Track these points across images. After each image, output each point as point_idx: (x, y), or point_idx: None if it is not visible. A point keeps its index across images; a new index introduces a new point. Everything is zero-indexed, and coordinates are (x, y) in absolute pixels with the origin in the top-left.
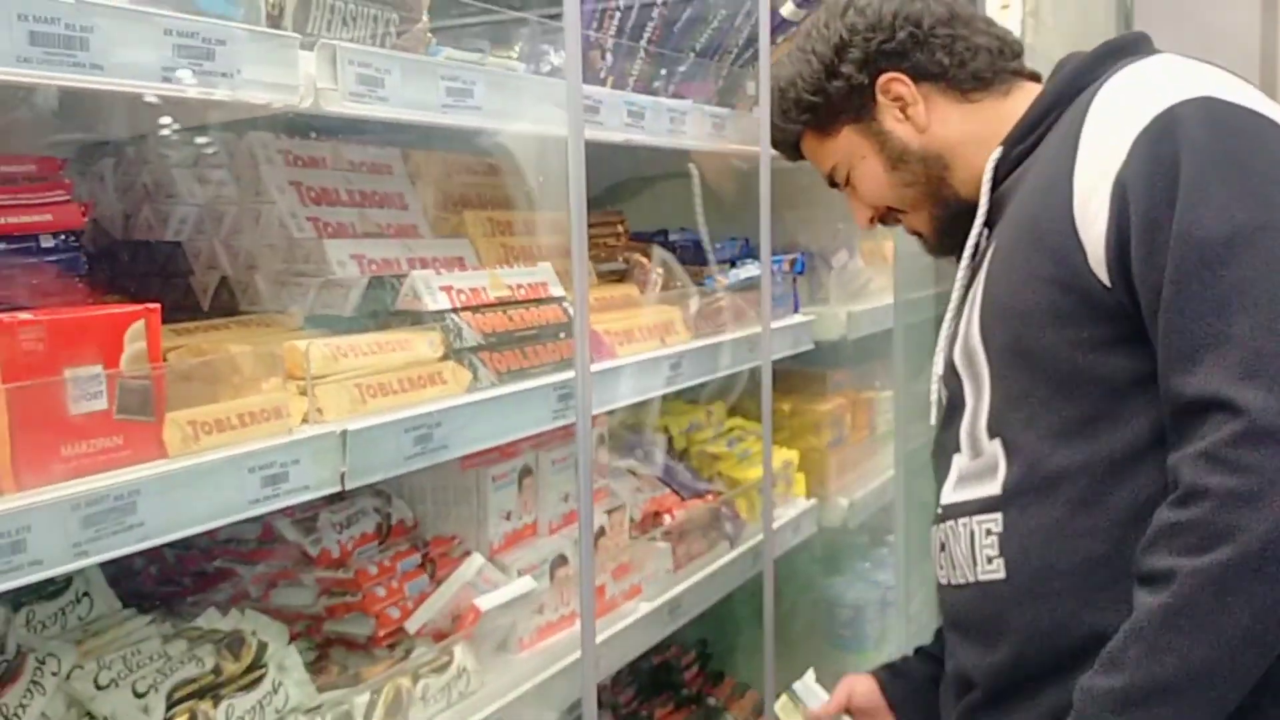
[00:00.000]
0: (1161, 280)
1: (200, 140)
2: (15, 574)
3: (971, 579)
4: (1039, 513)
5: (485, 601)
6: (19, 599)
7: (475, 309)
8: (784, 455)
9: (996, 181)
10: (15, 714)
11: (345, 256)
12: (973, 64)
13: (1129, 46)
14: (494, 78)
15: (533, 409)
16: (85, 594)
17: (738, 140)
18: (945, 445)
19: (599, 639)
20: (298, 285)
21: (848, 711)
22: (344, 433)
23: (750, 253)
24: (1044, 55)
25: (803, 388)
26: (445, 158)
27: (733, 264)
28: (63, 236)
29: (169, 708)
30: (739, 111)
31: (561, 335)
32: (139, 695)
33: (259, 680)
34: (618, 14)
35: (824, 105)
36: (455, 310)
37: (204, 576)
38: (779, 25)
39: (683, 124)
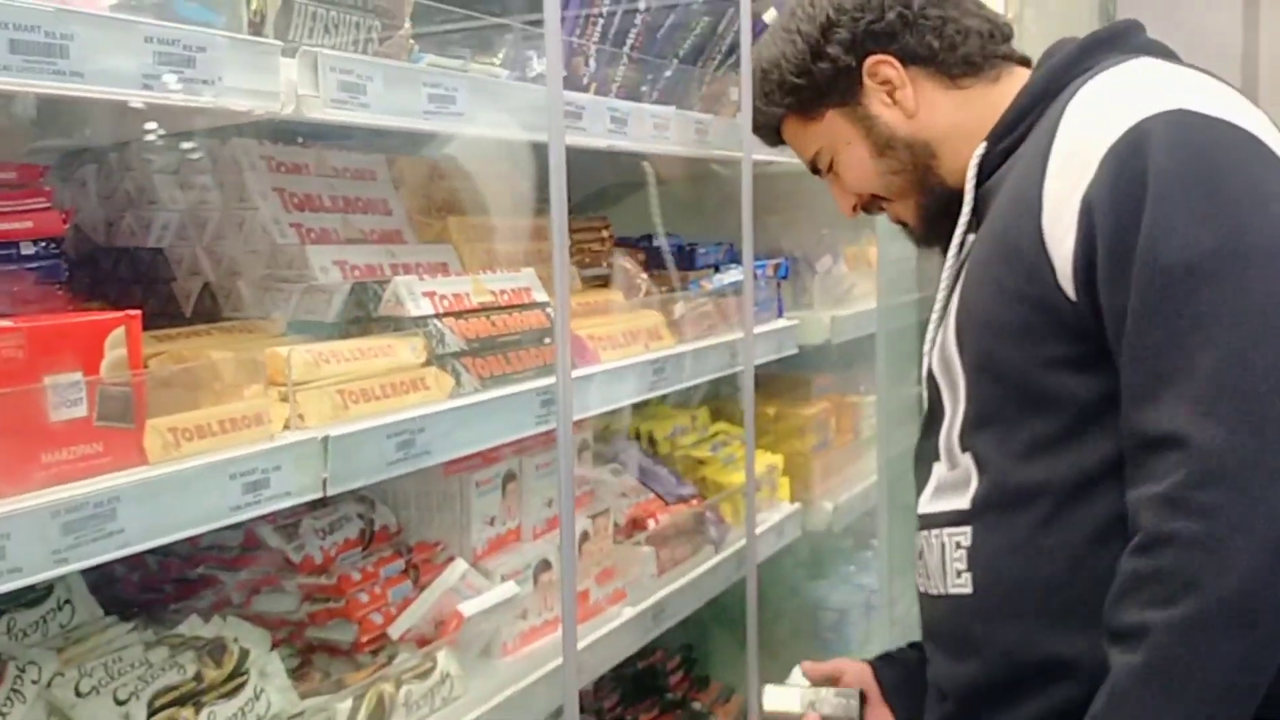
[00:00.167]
0: (1126, 307)
1: (183, 147)
2: None
3: (943, 591)
4: (1005, 530)
5: (469, 607)
6: None
7: (458, 314)
8: (768, 459)
9: (981, 178)
10: None
11: (328, 262)
12: (963, 48)
13: (1118, 38)
14: (476, 84)
15: (516, 414)
16: (66, 601)
17: (721, 146)
18: (926, 453)
19: (582, 644)
20: (280, 291)
21: (834, 682)
22: (326, 439)
23: (735, 258)
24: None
25: (787, 392)
26: (429, 163)
27: (717, 269)
28: (43, 244)
29: (150, 715)
30: (722, 117)
31: (545, 341)
32: (120, 703)
33: (241, 687)
34: (600, 20)
35: (808, 88)
36: (438, 316)
37: (186, 583)
38: (761, 32)
39: (666, 130)
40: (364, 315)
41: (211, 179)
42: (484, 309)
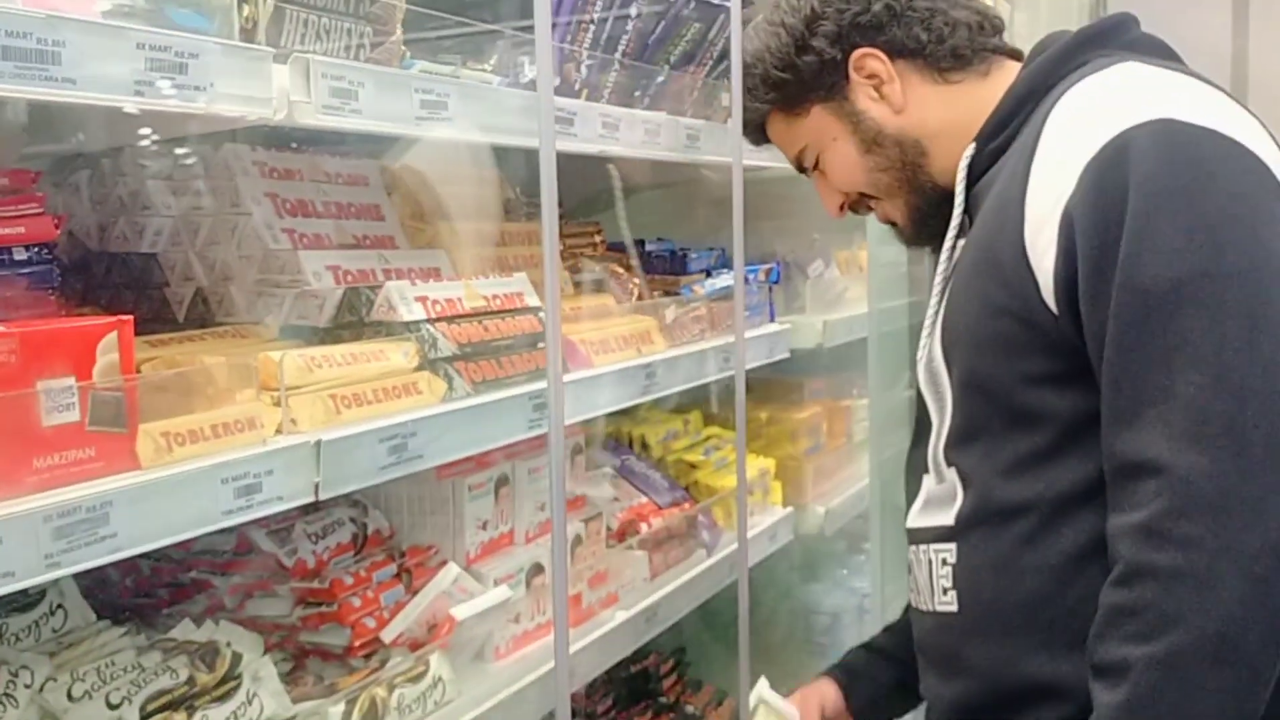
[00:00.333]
0: (1106, 326)
1: (176, 152)
2: None
3: (931, 608)
4: (988, 547)
5: (461, 611)
6: None
7: (450, 319)
8: (760, 463)
9: (971, 181)
10: None
11: (321, 267)
12: (951, 40)
13: (1110, 33)
14: (468, 90)
15: (508, 419)
16: (59, 606)
17: (712, 151)
18: (917, 464)
19: (575, 648)
20: (273, 296)
21: None
22: (318, 443)
23: (726, 262)
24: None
25: (779, 396)
26: (422, 169)
27: (709, 273)
28: (36, 249)
29: (143, 719)
30: (713, 123)
31: (537, 345)
32: (113, 707)
33: (233, 691)
34: (592, 27)
35: (793, 82)
36: (430, 320)
37: (179, 588)
38: None
39: (657, 135)
40: (356, 320)
41: (204, 184)
42: (476, 314)
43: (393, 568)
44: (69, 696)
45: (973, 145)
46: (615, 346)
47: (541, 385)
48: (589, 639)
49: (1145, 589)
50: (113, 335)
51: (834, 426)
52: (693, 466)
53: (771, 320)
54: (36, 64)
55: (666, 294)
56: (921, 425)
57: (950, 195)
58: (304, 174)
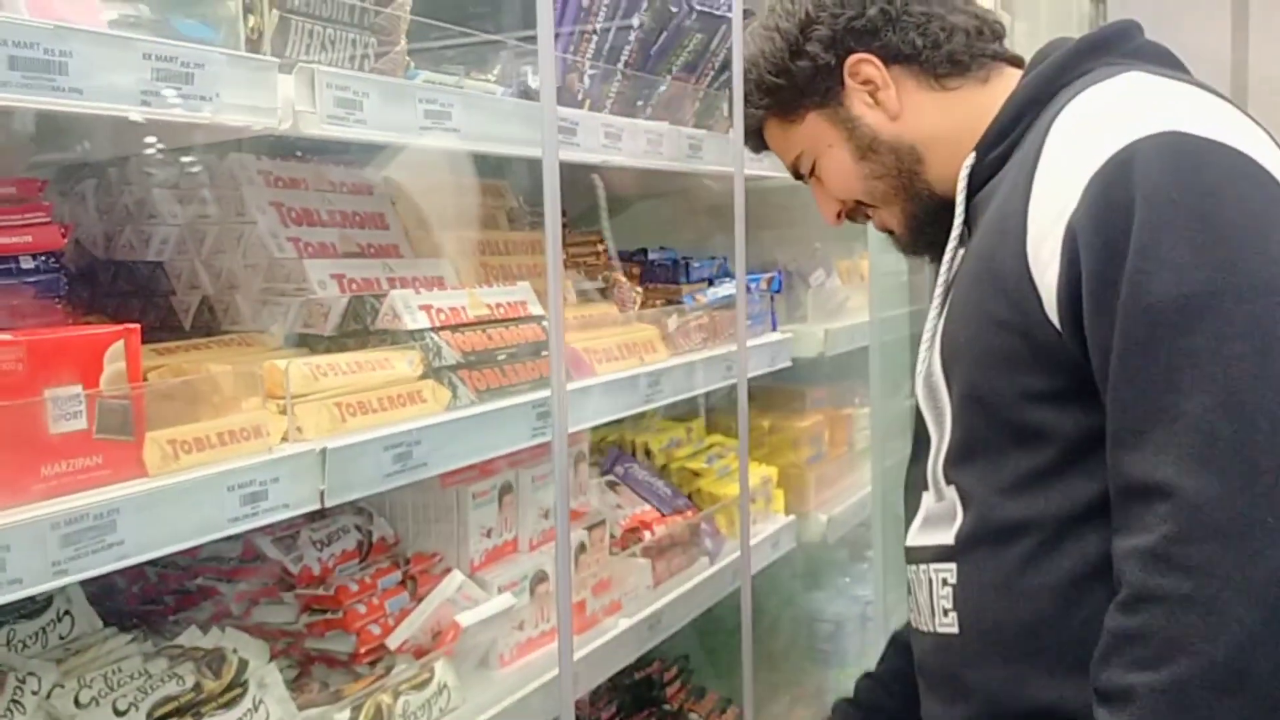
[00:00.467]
0: (1111, 343)
1: (181, 161)
2: None
3: (932, 629)
4: (990, 567)
5: (466, 618)
6: None
7: (454, 328)
8: (763, 471)
9: (972, 191)
10: None
11: (326, 276)
12: (948, 46)
13: (1113, 40)
14: (471, 100)
15: (512, 427)
16: (66, 612)
17: (714, 161)
18: (916, 481)
19: (579, 655)
20: (278, 304)
21: None
22: (323, 451)
23: (728, 272)
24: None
25: (782, 404)
26: (426, 178)
27: (711, 283)
28: (43, 258)
29: None
30: (715, 133)
31: (540, 354)
32: (119, 713)
33: (240, 698)
34: (594, 37)
35: (788, 88)
36: (434, 329)
37: (185, 595)
38: None
39: (659, 145)
40: (361, 329)
41: (210, 193)
42: (480, 322)
43: (397, 575)
44: (76, 703)
45: (973, 155)
46: (618, 355)
47: (544, 394)
48: (592, 646)
49: (1152, 615)
50: (119, 343)
51: (836, 435)
52: (695, 474)
53: (773, 329)
54: (44, 74)
55: (669, 303)
56: (920, 441)
57: (948, 203)
58: (309, 183)
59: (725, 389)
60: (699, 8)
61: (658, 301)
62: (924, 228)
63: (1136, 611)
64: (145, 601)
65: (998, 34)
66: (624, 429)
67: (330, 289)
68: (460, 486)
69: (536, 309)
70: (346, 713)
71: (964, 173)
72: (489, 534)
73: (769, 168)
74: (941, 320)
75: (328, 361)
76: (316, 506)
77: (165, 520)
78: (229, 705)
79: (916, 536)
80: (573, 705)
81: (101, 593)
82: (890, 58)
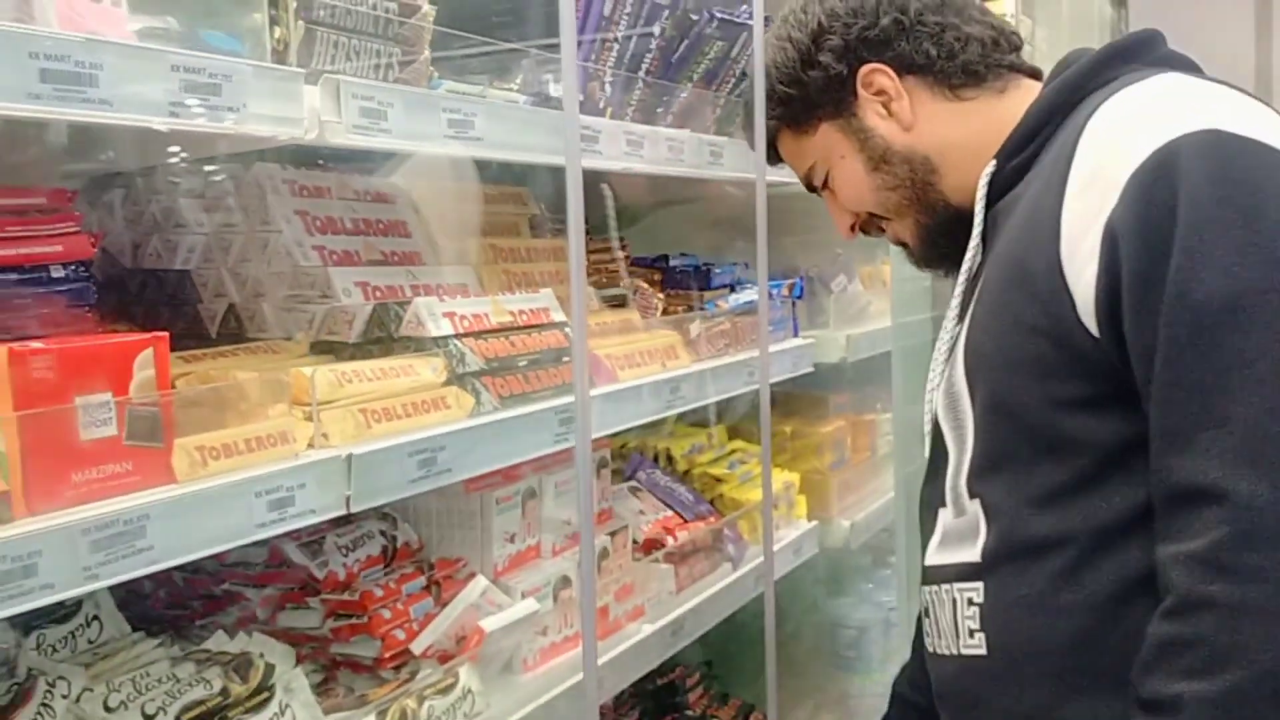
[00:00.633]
0: (1154, 344)
1: (207, 171)
2: (26, 598)
3: (955, 651)
4: (1020, 585)
5: (490, 623)
6: (30, 622)
7: (478, 335)
8: (785, 477)
9: (991, 199)
10: None
11: (350, 284)
12: (963, 56)
13: (1137, 49)
14: (494, 109)
15: (535, 433)
16: (95, 617)
17: (735, 168)
18: (931, 499)
19: (602, 660)
20: (304, 312)
21: None
22: (349, 457)
23: (750, 278)
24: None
25: (804, 410)
26: (449, 186)
27: (733, 289)
28: (73, 267)
29: None
30: (736, 140)
31: (563, 360)
32: (148, 717)
33: (266, 702)
34: (616, 45)
35: (800, 98)
36: (458, 336)
37: (212, 599)
38: None
39: (681, 152)
40: (385, 335)
41: (235, 202)
42: (503, 329)
43: (422, 580)
44: (105, 707)
45: (994, 162)
46: (640, 361)
47: (568, 400)
48: (616, 651)
49: (1202, 622)
50: (148, 351)
51: (858, 440)
52: (718, 480)
53: (795, 335)
54: (75, 86)
55: (690, 309)
56: (936, 459)
57: (962, 216)
58: (333, 192)
59: (747, 395)
60: (720, 15)
61: (679, 308)
62: (937, 240)
63: (1186, 618)
64: (172, 606)
65: (1015, 45)
66: (645, 435)
67: (355, 296)
68: (484, 492)
69: (559, 315)
70: (372, 717)
71: (984, 180)
72: (512, 539)
73: (790, 174)
74: (963, 330)
75: (353, 368)
76: (342, 512)
77: (194, 525)
78: (256, 710)
79: (935, 555)
80: (597, 711)
81: (129, 598)
82: (904, 68)
